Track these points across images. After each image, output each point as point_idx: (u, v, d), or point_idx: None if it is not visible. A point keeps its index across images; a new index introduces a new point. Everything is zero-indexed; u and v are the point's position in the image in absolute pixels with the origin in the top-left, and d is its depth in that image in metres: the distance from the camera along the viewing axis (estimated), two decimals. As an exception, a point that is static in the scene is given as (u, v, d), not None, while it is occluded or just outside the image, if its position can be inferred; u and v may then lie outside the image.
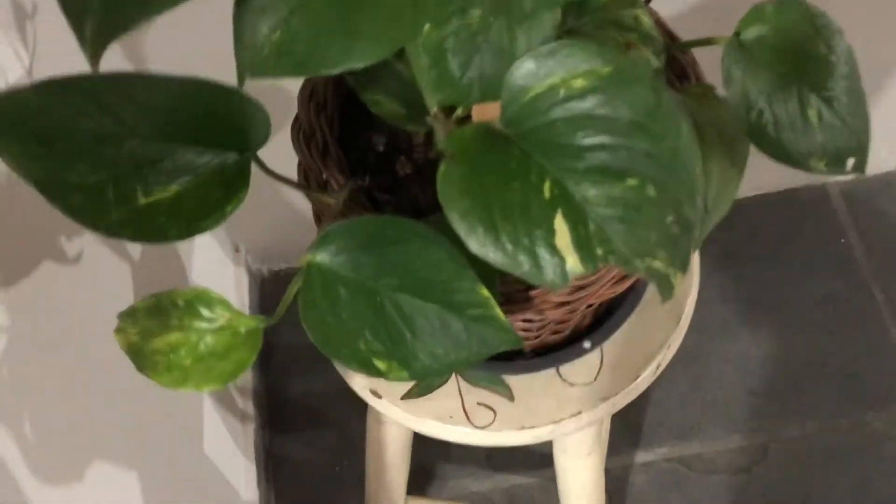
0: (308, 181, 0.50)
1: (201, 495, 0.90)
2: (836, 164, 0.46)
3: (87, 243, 0.71)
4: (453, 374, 0.66)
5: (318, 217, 0.52)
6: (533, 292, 0.49)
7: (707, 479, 1.09)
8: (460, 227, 0.36)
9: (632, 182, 0.36)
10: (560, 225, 0.36)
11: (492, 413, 0.64)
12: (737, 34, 0.47)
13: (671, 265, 0.36)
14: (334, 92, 0.53)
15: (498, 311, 0.43)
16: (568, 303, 0.50)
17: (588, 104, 0.37)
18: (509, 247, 0.36)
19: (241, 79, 0.38)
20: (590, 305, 0.64)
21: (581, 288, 0.49)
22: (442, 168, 0.37)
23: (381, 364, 0.41)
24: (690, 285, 0.67)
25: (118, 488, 0.70)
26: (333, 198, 0.47)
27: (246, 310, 1.18)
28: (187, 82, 0.39)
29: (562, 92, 0.37)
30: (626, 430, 1.12)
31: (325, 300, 0.41)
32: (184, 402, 0.89)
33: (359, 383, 0.66)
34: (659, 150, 0.36)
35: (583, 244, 0.36)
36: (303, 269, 0.41)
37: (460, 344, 0.43)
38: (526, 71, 0.37)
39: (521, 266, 0.37)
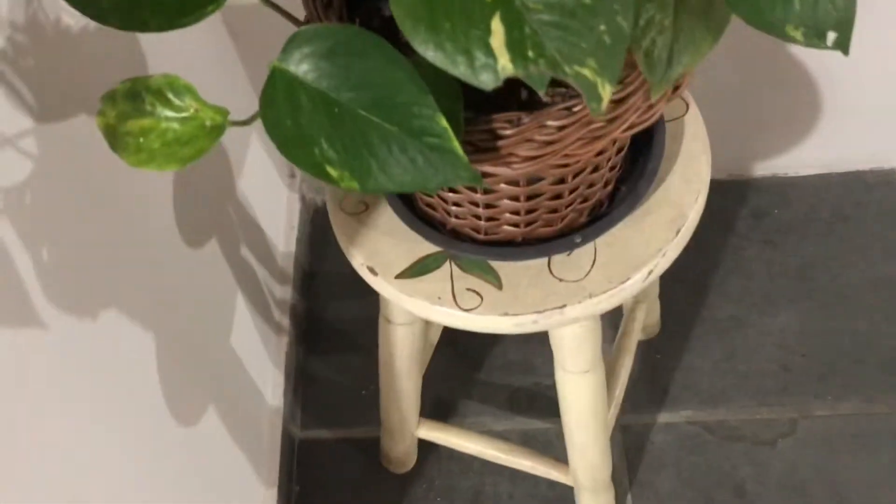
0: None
1: (221, 384, 0.95)
2: (815, 35, 0.46)
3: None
4: (447, 261, 0.68)
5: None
6: (500, 143, 0.50)
7: (729, 446, 1.07)
8: (405, 25, 0.39)
9: (569, -10, 0.38)
10: (497, 26, 0.38)
11: (478, 298, 0.66)
12: None
13: (599, 74, 0.37)
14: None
15: (456, 144, 0.45)
16: (536, 157, 0.51)
17: (536, -86, 0.38)
18: (448, 45, 0.38)
19: None
20: (584, 201, 0.65)
21: (549, 143, 0.50)
22: (391, -30, 0.39)
23: (333, 171, 0.44)
24: (697, 197, 0.67)
25: (135, 339, 0.75)
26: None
27: (294, 235, 1.23)
28: None
29: None
30: (653, 390, 1.11)
31: (286, 104, 0.44)
32: (216, 285, 0.93)
33: (357, 260, 0.69)
34: (600, -38, 0.38)
35: (516, 46, 0.38)
36: (269, 74, 0.44)
37: (415, 168, 0.45)
38: None
39: (458, 66, 0.38)
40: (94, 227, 0.68)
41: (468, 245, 0.65)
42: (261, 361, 1.06)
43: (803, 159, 1.22)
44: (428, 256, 0.67)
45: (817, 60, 1.09)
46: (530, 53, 0.37)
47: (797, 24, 0.46)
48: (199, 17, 0.43)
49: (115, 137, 0.43)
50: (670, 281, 1.03)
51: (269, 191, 1.19)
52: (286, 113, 0.43)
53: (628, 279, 0.65)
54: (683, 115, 0.71)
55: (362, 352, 1.16)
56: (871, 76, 1.09)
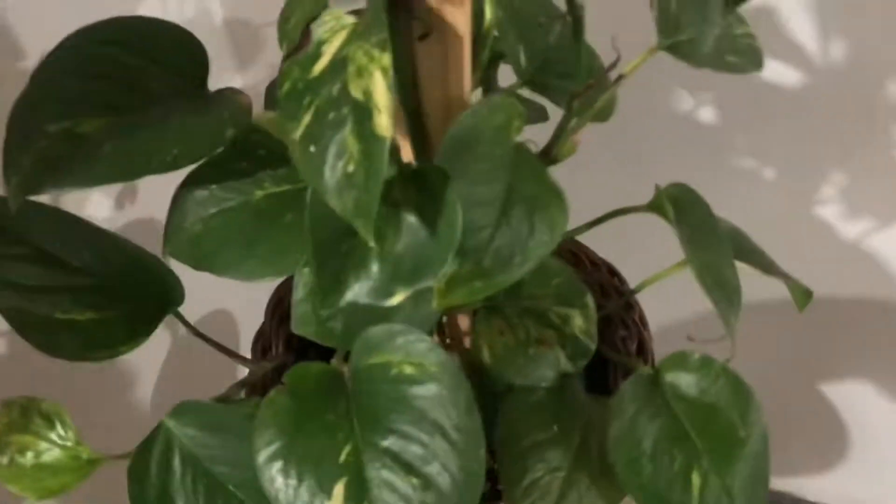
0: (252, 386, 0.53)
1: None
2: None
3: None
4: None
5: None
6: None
7: None
8: (261, 455, 0.39)
9: (415, 481, 0.37)
10: (339, 492, 0.37)
11: None
12: (657, 372, 0.46)
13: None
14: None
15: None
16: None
17: (409, 391, 0.38)
18: (291, 493, 0.38)
19: (164, 253, 0.43)
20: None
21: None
22: (271, 394, 0.40)
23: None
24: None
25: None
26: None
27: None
28: (130, 243, 0.46)
29: (394, 371, 0.38)
30: None
31: (159, 459, 0.44)
32: None
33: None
34: (454, 462, 0.37)
35: (349, 522, 0.37)
36: (157, 426, 0.45)
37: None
38: (374, 337, 0.39)
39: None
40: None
41: None
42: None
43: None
44: None
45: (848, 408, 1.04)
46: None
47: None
48: (110, 355, 0.45)
49: (1, 443, 0.45)
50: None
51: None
52: (156, 471, 0.44)
53: None
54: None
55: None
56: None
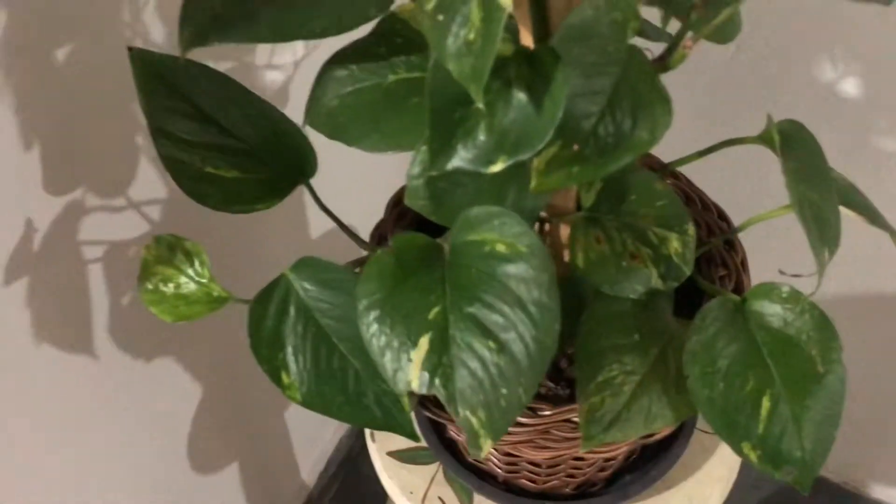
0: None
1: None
2: (771, 464, 0.45)
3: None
4: (437, 463, 0.71)
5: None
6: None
7: None
8: (361, 303, 0.43)
9: (492, 345, 0.41)
10: (423, 343, 0.42)
11: (441, 509, 0.68)
12: (744, 300, 0.48)
13: (484, 427, 0.40)
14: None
15: (405, 399, 0.49)
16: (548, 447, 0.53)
17: (499, 267, 0.41)
18: (383, 340, 0.42)
19: (304, 121, 0.49)
20: (601, 471, 0.65)
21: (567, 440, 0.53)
22: (377, 253, 0.44)
23: (285, 378, 0.49)
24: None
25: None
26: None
27: (319, 468, 1.22)
28: (278, 113, 0.51)
29: (487, 248, 0.42)
30: None
31: (276, 307, 0.50)
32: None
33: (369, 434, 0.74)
34: (529, 334, 0.40)
35: (429, 368, 0.41)
36: (279, 276, 0.50)
37: (362, 406, 0.49)
38: (473, 216, 0.43)
39: (384, 362, 0.42)
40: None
41: (486, 486, 0.68)
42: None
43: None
44: (426, 448, 0.70)
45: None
46: (437, 380, 0.41)
47: (755, 445, 0.45)
48: (248, 210, 0.51)
49: (146, 272, 0.52)
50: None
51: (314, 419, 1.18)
52: (273, 313, 0.49)
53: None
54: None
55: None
56: None
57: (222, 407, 0.92)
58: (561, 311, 0.41)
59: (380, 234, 0.60)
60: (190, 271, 0.51)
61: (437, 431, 0.70)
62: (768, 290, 0.47)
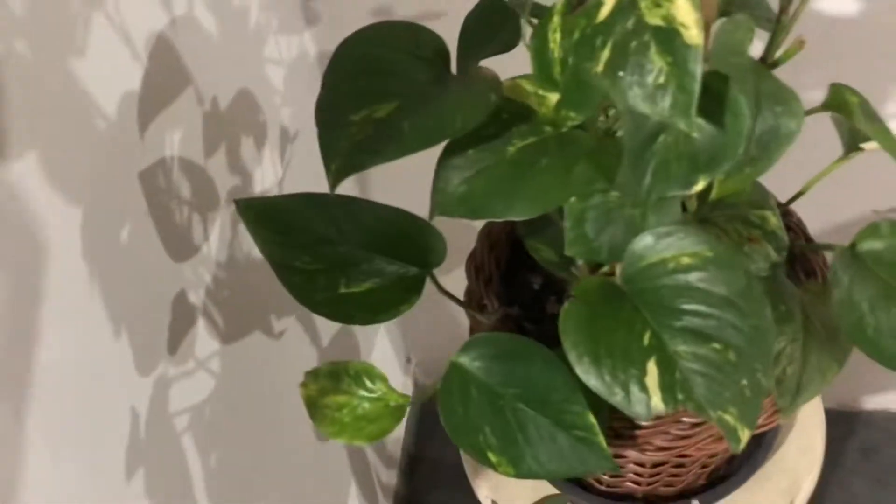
0: (470, 301, 0.61)
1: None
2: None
3: (290, 325, 0.86)
4: None
5: (473, 332, 0.63)
6: (639, 431, 0.56)
7: None
8: (571, 355, 0.46)
9: (717, 346, 0.44)
10: (652, 368, 0.45)
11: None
12: (852, 245, 0.54)
13: (740, 420, 0.44)
14: (507, 235, 0.65)
15: (601, 438, 0.51)
16: (669, 448, 0.56)
17: (691, 278, 0.46)
18: (608, 378, 0.45)
19: (432, 214, 0.51)
20: (704, 467, 0.69)
21: (683, 437, 0.56)
22: (566, 306, 0.47)
23: (493, 457, 0.50)
24: (812, 469, 0.71)
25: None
26: (487, 318, 0.58)
27: (404, 420, 1.29)
28: (391, 210, 0.53)
29: (671, 265, 0.46)
30: None
31: (459, 394, 0.51)
32: (329, 462, 1.00)
33: (482, 492, 0.75)
34: (744, 324, 0.44)
35: (667, 387, 0.44)
36: (448, 367, 0.52)
37: (563, 457, 0.51)
38: (644, 244, 0.47)
39: (615, 395, 0.45)
40: (248, 433, 0.77)
41: (588, 495, 0.70)
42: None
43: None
44: (548, 498, 0.72)
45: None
46: (680, 395, 0.44)
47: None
48: (394, 314, 0.52)
49: (314, 408, 0.51)
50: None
51: (388, 373, 1.26)
52: (458, 401, 0.51)
53: (739, 545, 0.68)
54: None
55: (460, 542, 1.19)
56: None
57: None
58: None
59: (475, 266, 0.62)
60: (362, 392, 0.52)
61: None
62: (872, 231, 0.54)
